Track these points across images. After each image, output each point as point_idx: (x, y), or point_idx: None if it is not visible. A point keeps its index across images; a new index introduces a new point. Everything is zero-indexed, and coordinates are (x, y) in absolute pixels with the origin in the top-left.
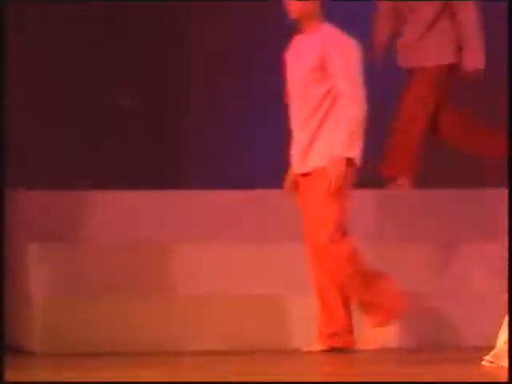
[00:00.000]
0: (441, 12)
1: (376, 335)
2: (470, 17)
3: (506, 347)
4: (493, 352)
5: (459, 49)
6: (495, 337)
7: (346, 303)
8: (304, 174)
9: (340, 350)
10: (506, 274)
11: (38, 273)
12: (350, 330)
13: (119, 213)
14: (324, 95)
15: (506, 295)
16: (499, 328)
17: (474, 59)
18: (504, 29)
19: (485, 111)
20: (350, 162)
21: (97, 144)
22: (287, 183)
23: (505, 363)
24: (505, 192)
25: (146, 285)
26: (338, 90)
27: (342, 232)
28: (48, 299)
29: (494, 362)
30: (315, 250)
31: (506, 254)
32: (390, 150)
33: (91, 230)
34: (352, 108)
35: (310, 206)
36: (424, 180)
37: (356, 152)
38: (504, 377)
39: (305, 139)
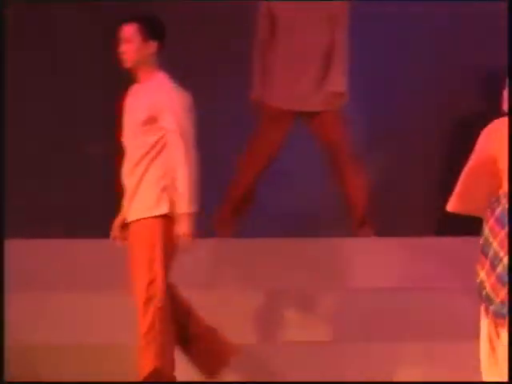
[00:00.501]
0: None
1: None
2: (343, 50)
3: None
4: None
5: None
6: None
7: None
8: (130, 223)
9: None
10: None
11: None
12: None
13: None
14: (152, 146)
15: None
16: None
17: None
18: (504, 29)
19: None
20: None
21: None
22: (114, 231)
23: None
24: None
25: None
26: (167, 142)
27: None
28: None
29: None
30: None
31: None
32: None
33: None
34: (184, 164)
35: (132, 257)
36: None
37: (190, 207)
38: None
39: (130, 188)
